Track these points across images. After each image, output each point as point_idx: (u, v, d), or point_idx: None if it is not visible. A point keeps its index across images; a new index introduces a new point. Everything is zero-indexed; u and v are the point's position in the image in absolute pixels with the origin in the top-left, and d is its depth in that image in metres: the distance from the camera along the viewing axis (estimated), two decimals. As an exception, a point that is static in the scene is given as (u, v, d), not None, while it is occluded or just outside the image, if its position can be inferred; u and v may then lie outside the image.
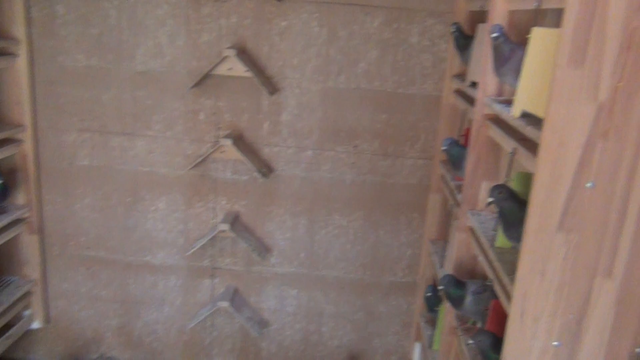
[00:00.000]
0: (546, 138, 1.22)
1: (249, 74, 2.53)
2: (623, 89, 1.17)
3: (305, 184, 2.75)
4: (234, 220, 2.75)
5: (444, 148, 2.08)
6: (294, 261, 2.86)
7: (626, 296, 1.27)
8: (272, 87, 2.64)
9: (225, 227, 2.66)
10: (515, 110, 1.51)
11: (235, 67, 2.56)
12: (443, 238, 2.64)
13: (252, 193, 2.78)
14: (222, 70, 2.58)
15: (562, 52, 1.17)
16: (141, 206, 2.83)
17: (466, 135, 2.26)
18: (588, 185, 1.22)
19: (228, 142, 2.58)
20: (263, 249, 2.82)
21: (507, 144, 1.62)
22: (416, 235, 2.77)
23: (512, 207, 1.43)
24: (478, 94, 1.87)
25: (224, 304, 2.74)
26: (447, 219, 2.61)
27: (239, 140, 2.69)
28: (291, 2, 2.55)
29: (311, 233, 2.81)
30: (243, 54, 2.60)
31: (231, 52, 2.49)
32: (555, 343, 1.31)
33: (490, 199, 1.44)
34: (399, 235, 2.78)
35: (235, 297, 2.85)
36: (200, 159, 2.66)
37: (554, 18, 1.83)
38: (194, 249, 2.76)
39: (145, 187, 2.80)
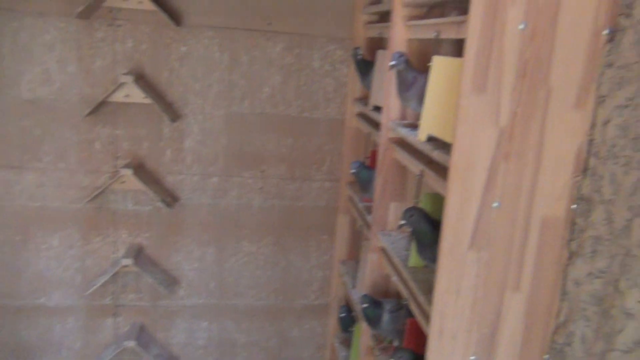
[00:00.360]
0: (455, 162, 1.28)
1: (148, 101, 2.44)
2: (521, 114, 1.26)
3: (212, 211, 2.68)
4: (137, 254, 2.61)
5: (353, 171, 2.12)
6: (203, 292, 2.76)
7: (533, 308, 1.35)
8: (173, 113, 2.56)
9: (128, 261, 2.52)
10: (421, 135, 1.57)
11: (133, 94, 2.46)
12: (353, 258, 2.69)
13: (156, 224, 2.66)
14: (118, 97, 2.47)
15: (465, 80, 1.24)
16: (32, 244, 2.60)
17: (372, 157, 2.32)
18: (494, 205, 1.30)
19: (128, 172, 2.45)
20: (170, 282, 2.70)
21: (414, 166, 1.68)
22: (326, 257, 2.80)
23: (424, 229, 1.48)
24: (382, 118, 1.93)
25: (130, 343, 2.59)
26: (356, 239, 2.66)
27: (140, 170, 2.57)
28: (190, 27, 2.50)
29: (220, 261, 2.74)
30: (141, 80, 2.50)
31: (128, 79, 2.38)
32: (472, 358, 1.37)
33: (403, 222, 1.49)
34: (310, 258, 2.79)
35: (142, 335, 2.70)
36: (98, 191, 2.51)
37: (450, 46, 1.94)
38: (94, 288, 2.58)
39: (36, 224, 2.58)
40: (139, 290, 2.71)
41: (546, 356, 1.37)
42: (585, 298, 1.23)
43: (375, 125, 2.19)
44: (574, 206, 1.30)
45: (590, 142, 1.26)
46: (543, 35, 1.23)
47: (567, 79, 1.25)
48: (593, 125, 1.26)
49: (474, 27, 1.21)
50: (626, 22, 1.16)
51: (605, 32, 1.23)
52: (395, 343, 1.90)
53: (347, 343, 2.63)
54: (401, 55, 1.72)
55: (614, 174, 1.17)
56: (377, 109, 2.15)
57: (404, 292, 1.69)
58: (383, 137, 1.93)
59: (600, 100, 1.23)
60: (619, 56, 1.18)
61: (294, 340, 2.88)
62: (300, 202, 2.72)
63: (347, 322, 2.43)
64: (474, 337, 1.36)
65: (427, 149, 1.51)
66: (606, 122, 1.21)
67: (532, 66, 1.24)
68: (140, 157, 2.60)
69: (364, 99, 2.50)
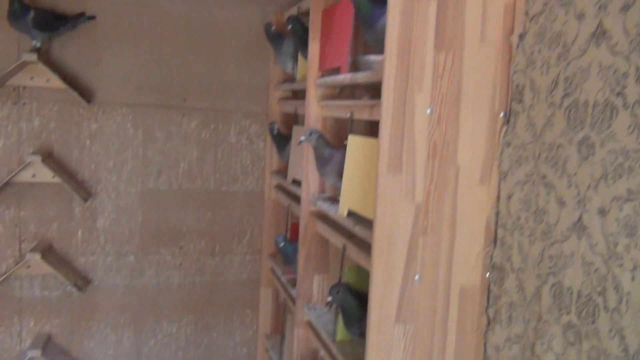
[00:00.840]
0: (377, 238, 1.33)
1: (57, 180, 2.35)
2: (434, 191, 1.35)
3: (128, 292, 2.57)
4: (46, 344, 2.43)
5: (281, 245, 2.13)
6: (119, 380, 2.60)
7: (459, 375, 1.40)
8: (85, 192, 2.47)
9: (35, 353, 2.33)
10: (342, 210, 1.63)
11: (41, 173, 2.36)
12: (278, 332, 2.65)
13: (67, 310, 2.50)
14: (25, 177, 2.36)
15: (382, 161, 1.32)
16: None
17: (293, 229, 2.35)
18: (416, 278, 1.36)
19: (36, 257, 2.31)
20: (82, 372, 2.52)
21: (337, 240, 1.73)
22: (251, 332, 2.74)
23: (351, 304, 1.51)
24: (303, 192, 1.97)
25: None
26: (280, 312, 2.63)
27: (48, 253, 2.43)
28: (102, 105, 2.47)
29: (138, 345, 2.60)
30: (49, 158, 2.41)
31: (35, 158, 2.29)
32: None
33: (329, 298, 1.51)
34: (233, 335, 2.72)
35: None
36: (1, 278, 2.34)
37: (364, 123, 2.05)
38: (-4, 385, 2.36)
39: None
40: (47, 384, 2.50)
41: (474, 422, 1.41)
42: (506, 363, 1.29)
43: (295, 197, 2.23)
44: (488, 274, 1.38)
45: (497, 214, 1.37)
46: (448, 119, 1.34)
47: (472, 157, 1.36)
48: (498, 199, 1.36)
49: (386, 112, 1.30)
50: (518, 107, 1.30)
51: (502, 115, 1.36)
52: (327, 419, 1.88)
53: (275, 421, 2.55)
54: (312, 132, 1.80)
55: (521, 244, 1.27)
56: (296, 182, 2.20)
57: (333, 367, 1.69)
58: (304, 211, 1.97)
59: (503, 176, 1.35)
60: (515, 137, 1.31)
61: (219, 422, 2.75)
62: (222, 277, 2.67)
63: (275, 399, 2.37)
64: (406, 410, 1.38)
65: (349, 224, 1.56)
66: (510, 196, 1.32)
67: (440, 147, 1.34)
68: (49, 239, 2.46)
69: (281, 172, 2.54)
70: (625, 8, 0.99)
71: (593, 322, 1.03)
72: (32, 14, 2.19)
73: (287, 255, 2.14)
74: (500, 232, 1.35)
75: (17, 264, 2.37)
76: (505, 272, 1.32)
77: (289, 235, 2.39)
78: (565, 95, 1.14)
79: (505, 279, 1.32)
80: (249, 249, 2.70)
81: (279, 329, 2.64)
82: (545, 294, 1.16)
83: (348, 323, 1.54)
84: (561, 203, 1.14)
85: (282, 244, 2.13)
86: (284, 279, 2.28)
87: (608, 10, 1.03)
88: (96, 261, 2.53)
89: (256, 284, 2.71)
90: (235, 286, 2.69)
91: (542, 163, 1.21)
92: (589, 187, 1.06)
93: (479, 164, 1.37)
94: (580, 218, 1.08)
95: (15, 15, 2.18)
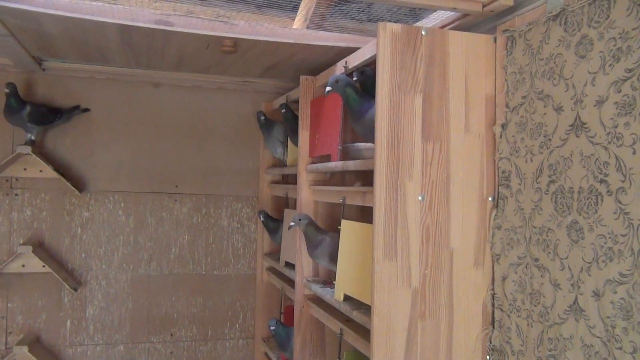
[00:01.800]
0: (376, 324, 1.34)
1: (47, 270, 2.32)
2: (430, 275, 1.37)
3: (117, 384, 2.49)
4: None
5: (272, 328, 2.11)
6: None
7: None
8: (75, 281, 2.45)
9: None
10: (338, 295, 1.64)
11: (31, 264, 2.34)
12: (274, 420, 2.56)
13: (53, 405, 2.41)
14: (14, 267, 2.33)
15: (377, 247, 1.35)
16: None
17: (287, 313, 2.33)
18: (417, 364, 1.35)
19: (23, 350, 2.24)
20: None
21: (333, 324, 1.72)
22: (245, 421, 2.65)
23: (353, 394, 1.49)
24: (296, 277, 1.98)
25: None
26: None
27: (36, 345, 2.37)
28: (94, 193, 2.49)
29: None
30: (40, 248, 2.40)
31: (26, 249, 2.28)
32: None
33: (332, 388, 1.49)
34: None
35: None
36: (-16, 376, 2.26)
37: (355, 207, 2.10)
38: None
39: None
40: None
41: None
42: None
43: (288, 280, 2.24)
44: (488, 358, 1.39)
45: (494, 296, 1.39)
46: (439, 204, 1.39)
47: (465, 240, 1.40)
48: (493, 281, 1.39)
49: (379, 200, 1.35)
50: (506, 192, 1.36)
51: (490, 199, 1.41)
52: None
53: None
54: (302, 218, 1.84)
55: (519, 326, 1.28)
56: (289, 265, 2.21)
57: None
58: (298, 295, 1.97)
59: (496, 258, 1.38)
60: (505, 220, 1.36)
61: None
62: (214, 364, 2.61)
63: None
64: None
65: (346, 309, 1.57)
66: (504, 278, 1.35)
67: (433, 231, 1.38)
68: (37, 330, 2.41)
69: (274, 254, 2.56)
70: (599, 102, 1.07)
71: (597, 407, 1.04)
72: (28, 109, 2.25)
73: (281, 340, 2.12)
74: (497, 313, 1.37)
75: (3, 358, 2.29)
76: (506, 354, 1.33)
77: (282, 319, 2.37)
78: (551, 182, 1.20)
79: (506, 362, 1.32)
80: (241, 334, 2.65)
81: (275, 417, 2.56)
82: (547, 377, 1.17)
83: (350, 413, 1.51)
84: (556, 285, 1.17)
85: (273, 327, 2.10)
86: (279, 364, 2.24)
87: (584, 104, 1.11)
88: (85, 352, 2.46)
89: (250, 371, 2.65)
90: (229, 373, 2.63)
91: (533, 246, 1.25)
92: (581, 270, 1.10)
93: (472, 247, 1.41)
94: (576, 300, 1.11)
95: (12, 110, 2.24)
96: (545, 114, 1.22)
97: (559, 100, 1.18)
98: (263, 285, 2.64)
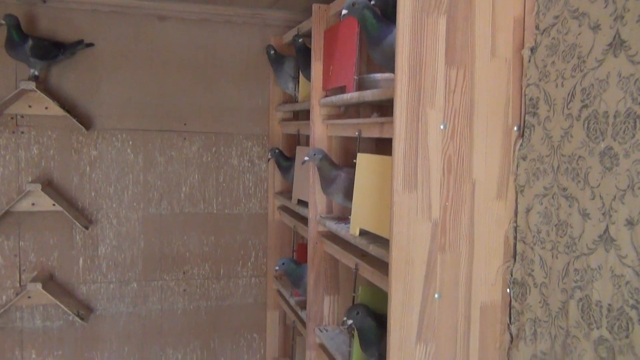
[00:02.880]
0: (394, 257, 1.30)
1: (57, 208, 2.31)
2: (450, 207, 1.33)
3: (132, 320, 2.52)
4: (49, 377, 2.36)
5: (277, 269, 2.10)
6: (125, 411, 2.53)
7: (484, 395, 1.37)
8: (86, 219, 2.43)
9: (38, 387, 2.27)
10: (354, 229, 1.61)
11: (40, 202, 2.32)
12: (286, 355, 2.60)
13: (69, 340, 2.44)
14: (24, 206, 2.32)
15: (397, 178, 1.30)
16: None
17: (299, 250, 2.32)
18: (436, 296, 1.33)
19: (37, 287, 2.26)
20: (87, 404, 2.45)
21: (348, 260, 1.70)
22: (258, 356, 2.68)
23: (370, 325, 1.48)
24: (310, 213, 1.95)
25: None
26: (288, 335, 2.59)
27: (49, 282, 2.38)
28: (101, 131, 2.44)
29: (143, 375, 2.54)
30: (49, 187, 2.38)
31: (35, 187, 2.25)
32: None
33: (350, 321, 1.47)
34: (241, 360, 2.67)
35: None
36: (1, 310, 2.28)
37: (370, 141, 2.04)
38: (-2, 422, 2.29)
39: None
40: (50, 418, 2.44)
41: None
42: (533, 381, 1.27)
43: (301, 218, 2.21)
44: (509, 290, 1.36)
45: (516, 229, 1.35)
46: (462, 134, 1.33)
47: (488, 172, 1.35)
48: (516, 214, 1.35)
49: (399, 129, 1.29)
50: (533, 120, 1.29)
51: (515, 128, 1.35)
52: None
53: None
54: (316, 152, 1.78)
55: (543, 258, 1.25)
56: (301, 202, 2.18)
57: (350, 391, 1.65)
58: (312, 231, 1.94)
59: (520, 189, 1.33)
60: (531, 150, 1.30)
61: None
62: (227, 301, 2.63)
63: None
64: None
65: (362, 243, 1.53)
66: (528, 210, 1.30)
67: (455, 162, 1.32)
68: (50, 268, 2.41)
69: (285, 193, 2.52)
70: (643, 18, 0.99)
71: (627, 336, 1.01)
72: (30, 42, 2.17)
73: (292, 278, 2.10)
74: (520, 246, 1.33)
75: (17, 294, 2.32)
76: (527, 287, 1.30)
77: (295, 257, 2.36)
78: (583, 107, 1.13)
79: (528, 295, 1.30)
80: (254, 272, 2.66)
81: (287, 352, 2.60)
82: (573, 308, 1.14)
83: (366, 345, 1.51)
84: (585, 215, 1.12)
85: (283, 268, 2.07)
86: (292, 301, 2.24)
87: (625, 20, 1.03)
88: (98, 289, 2.48)
89: (262, 308, 2.66)
90: (241, 310, 2.65)
91: (561, 175, 1.20)
92: (614, 198, 1.05)
93: (495, 178, 1.35)
94: (606, 230, 1.07)
95: (13, 44, 2.16)
96: (579, 34, 1.14)
97: (596, 18, 1.10)
98: (275, 224, 2.62)
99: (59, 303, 2.29)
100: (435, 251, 1.33)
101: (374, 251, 1.46)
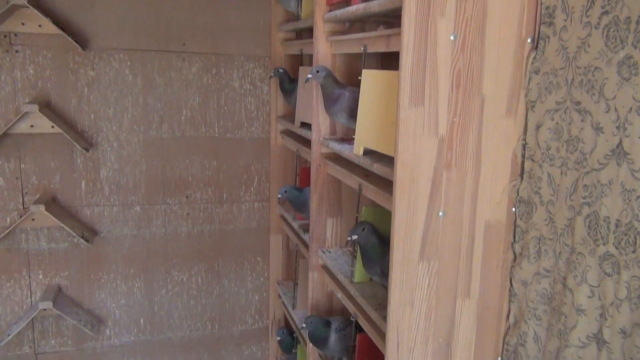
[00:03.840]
0: (399, 174, 1.27)
1: (56, 130, 2.27)
2: (458, 124, 1.28)
3: (136, 242, 2.54)
4: (56, 296, 2.41)
5: (279, 197, 2.08)
6: (132, 329, 2.60)
7: (484, 312, 1.37)
8: (85, 142, 2.40)
9: (47, 305, 2.31)
10: (357, 149, 1.57)
11: (39, 124, 2.28)
12: (289, 278, 2.64)
13: (75, 261, 2.48)
14: (22, 128, 2.28)
15: (403, 92, 1.24)
16: None
17: (302, 175, 2.29)
18: (440, 214, 1.31)
19: (40, 208, 2.26)
20: (95, 322, 2.51)
21: (352, 180, 1.67)
22: (262, 279, 2.72)
23: (374, 243, 1.47)
24: (313, 135, 1.91)
25: (55, 395, 2.37)
26: (291, 259, 2.61)
27: (53, 204, 2.38)
28: (98, 51, 2.36)
29: (149, 295, 2.59)
30: (47, 108, 2.33)
31: (32, 108, 2.20)
32: (430, 369, 1.37)
33: (354, 236, 1.46)
34: (245, 282, 2.70)
35: (67, 384, 2.49)
36: (5, 232, 2.29)
37: (374, 59, 1.96)
38: (9, 337, 2.35)
39: None
40: (60, 334, 2.50)
41: (500, 359, 1.39)
42: (534, 298, 1.26)
43: (304, 141, 2.17)
44: (515, 209, 1.34)
45: (525, 146, 1.31)
46: (472, 46, 1.26)
47: (498, 86, 1.29)
48: (526, 130, 1.30)
49: (407, 40, 1.22)
50: (549, 31, 1.22)
51: (529, 40, 1.28)
52: (345, 360, 1.88)
53: (289, 365, 2.57)
54: (320, 70, 1.72)
55: (551, 176, 1.21)
56: (304, 125, 2.13)
57: (351, 309, 1.67)
58: (315, 153, 1.91)
59: (531, 105, 1.28)
60: (544, 63, 1.24)
61: (233, 368, 2.78)
62: (230, 225, 2.64)
63: (289, 344, 2.38)
64: (430, 348, 1.36)
65: (366, 162, 1.50)
66: (538, 126, 1.26)
67: (465, 76, 1.27)
68: (52, 191, 2.41)
69: (288, 116, 2.47)
70: None
71: (634, 251, 0.99)
72: (19, -48, 2.06)
73: (295, 203, 2.09)
74: (528, 164, 1.30)
75: (21, 216, 2.32)
76: (534, 205, 1.27)
77: (298, 181, 2.34)
78: (604, 13, 1.06)
79: (533, 213, 1.27)
80: (257, 197, 2.65)
81: (290, 275, 2.63)
82: (579, 225, 1.12)
83: (369, 263, 1.50)
84: (598, 129, 1.08)
85: (285, 195, 2.05)
86: (295, 224, 2.24)
87: None
88: (102, 212, 2.48)
89: (265, 232, 2.68)
90: (245, 234, 2.66)
91: (575, 89, 1.14)
92: (630, 110, 1.00)
93: (505, 93, 1.30)
94: (620, 144, 1.02)
95: (1, -46, 2.05)
96: None
97: None
98: (277, 149, 2.58)
99: (63, 225, 2.30)
100: (440, 168, 1.29)
101: (378, 170, 1.43)
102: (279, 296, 2.59)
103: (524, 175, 1.31)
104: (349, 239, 1.47)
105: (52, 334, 2.49)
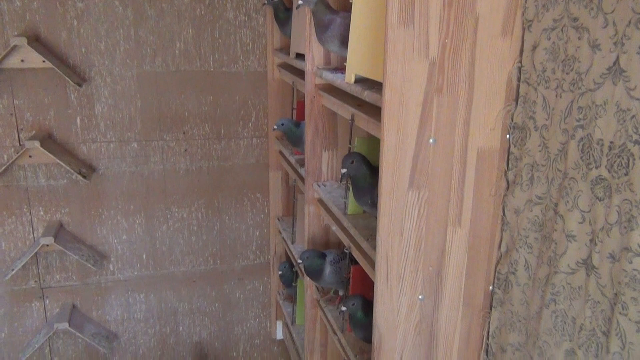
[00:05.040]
0: (387, 99, 1.22)
1: (48, 65, 2.22)
2: (450, 45, 1.22)
3: (135, 179, 2.53)
4: (58, 231, 2.43)
5: (275, 128, 2.03)
6: (135, 264, 2.63)
7: (476, 241, 1.35)
8: (78, 77, 2.35)
9: (48, 240, 2.33)
10: (349, 76, 1.51)
11: (29, 58, 2.22)
12: (289, 214, 2.64)
13: (75, 198, 2.48)
14: (13, 62, 2.23)
15: (391, 11, 1.18)
16: None
17: (299, 109, 2.24)
18: (431, 141, 1.27)
19: (35, 144, 2.24)
20: (98, 257, 2.55)
21: (345, 110, 1.63)
22: (262, 215, 2.72)
23: (364, 173, 1.44)
24: (306, 65, 1.84)
25: (62, 325, 2.44)
26: (290, 195, 2.60)
27: (48, 141, 2.36)
28: (86, -19, 2.28)
29: (150, 231, 2.61)
30: (36, 42, 2.27)
31: (21, 41, 2.15)
32: (420, 297, 1.36)
33: (344, 170, 1.43)
34: (245, 218, 2.71)
35: (74, 315, 2.55)
36: (3, 168, 2.29)
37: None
38: (14, 272, 2.39)
39: (-64, 212, 2.34)
40: (65, 269, 2.54)
41: (491, 287, 1.38)
42: (526, 225, 1.23)
43: (299, 73, 2.11)
44: (508, 136, 1.29)
45: (520, 69, 1.24)
46: (467, -40, 1.18)
47: (493, 4, 1.22)
48: (522, 52, 1.23)
49: (396, -45, 1.14)
50: (549, -59, 1.13)
51: (528, -47, 1.19)
52: (341, 292, 1.89)
53: (291, 299, 2.61)
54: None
55: (546, 99, 1.16)
56: (300, 56, 2.06)
57: (345, 241, 1.66)
58: (309, 85, 1.85)
59: (527, 25, 1.21)
60: (543, -23, 1.15)
61: (237, 302, 2.82)
62: (229, 161, 2.61)
63: (289, 278, 2.40)
64: (420, 276, 1.35)
65: (357, 90, 1.45)
66: (535, 47, 1.19)
67: (458, -6, 1.19)
68: (47, 127, 2.38)
69: (284, 49, 2.39)
70: None
71: (626, 173, 0.95)
72: None
73: (291, 138, 2.05)
74: (523, 88, 1.24)
75: (17, 153, 2.31)
76: (528, 131, 1.22)
77: (295, 115, 2.29)
78: None
79: (528, 139, 1.22)
80: (255, 133, 2.61)
81: (290, 211, 2.63)
82: (572, 149, 1.07)
83: (359, 194, 1.48)
84: (595, 47, 1.01)
85: (281, 127, 2.01)
86: (292, 159, 2.21)
87: None
88: (98, 149, 2.46)
89: (265, 168, 2.65)
90: (244, 170, 2.64)
91: (573, 4, 1.06)
92: (629, 23, 0.93)
93: (501, 12, 1.22)
94: (616, 61, 0.96)
95: None
96: None
97: None
98: (275, 83, 2.52)
99: (60, 162, 2.29)
100: (431, 93, 1.24)
101: (369, 97, 1.38)
102: (279, 232, 2.60)
103: (519, 100, 1.25)
104: (342, 173, 1.44)
105: (57, 269, 2.53)
